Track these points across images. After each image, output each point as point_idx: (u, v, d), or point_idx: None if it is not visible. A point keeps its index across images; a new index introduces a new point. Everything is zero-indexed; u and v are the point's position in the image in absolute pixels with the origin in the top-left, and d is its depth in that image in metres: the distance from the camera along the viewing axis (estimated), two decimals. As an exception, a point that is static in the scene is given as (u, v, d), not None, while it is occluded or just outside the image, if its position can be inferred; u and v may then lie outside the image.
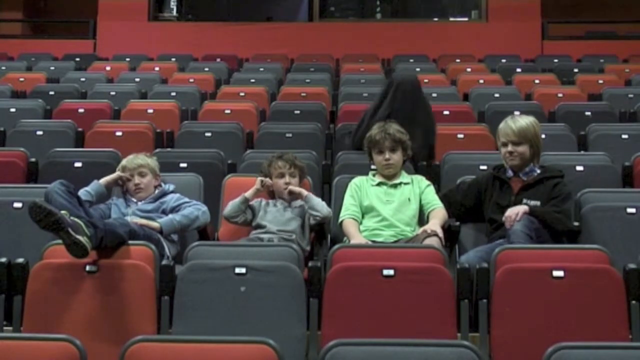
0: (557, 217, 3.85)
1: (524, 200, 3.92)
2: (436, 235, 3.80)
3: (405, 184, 4.20)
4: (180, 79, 8.58)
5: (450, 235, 4.07)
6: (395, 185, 4.19)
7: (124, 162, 4.29)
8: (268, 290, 3.31)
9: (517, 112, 4.37)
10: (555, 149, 5.07)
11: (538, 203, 3.90)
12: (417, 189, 4.18)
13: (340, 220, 4.13)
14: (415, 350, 2.54)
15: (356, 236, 3.99)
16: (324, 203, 4.12)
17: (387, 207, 4.09)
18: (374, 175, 4.26)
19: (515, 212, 3.77)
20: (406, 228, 4.03)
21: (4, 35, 12.22)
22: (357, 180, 4.25)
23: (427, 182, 4.24)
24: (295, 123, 6.02)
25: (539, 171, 4.07)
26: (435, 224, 3.96)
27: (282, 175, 4.22)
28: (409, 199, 4.12)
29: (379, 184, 4.20)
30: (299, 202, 4.18)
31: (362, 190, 4.18)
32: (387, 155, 4.21)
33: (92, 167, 4.81)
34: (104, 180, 4.17)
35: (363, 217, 4.13)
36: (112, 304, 3.34)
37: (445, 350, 2.53)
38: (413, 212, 4.10)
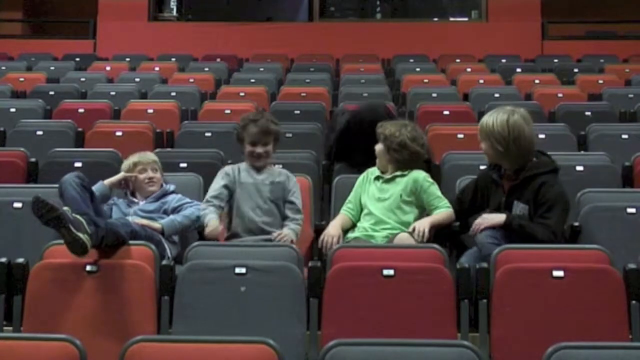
0: (535, 229, 3.63)
1: (514, 203, 3.78)
2: (416, 232, 3.78)
3: (401, 176, 4.04)
4: (180, 79, 8.58)
5: (451, 235, 4.06)
6: (388, 180, 4.07)
7: (135, 158, 4.26)
8: (268, 290, 3.31)
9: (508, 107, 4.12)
10: (555, 149, 5.04)
11: (526, 208, 3.73)
12: (415, 188, 3.98)
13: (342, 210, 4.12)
14: (415, 350, 2.55)
15: (331, 224, 4.01)
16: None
17: (379, 205, 4.00)
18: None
19: (480, 224, 3.67)
20: (400, 226, 3.93)
21: (4, 35, 12.22)
22: (369, 170, 4.18)
23: (430, 182, 4.03)
24: (295, 123, 6.01)
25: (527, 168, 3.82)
26: (424, 220, 3.87)
27: (254, 144, 4.12)
28: (402, 196, 3.96)
29: (377, 178, 4.11)
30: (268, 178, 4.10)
31: (364, 184, 4.13)
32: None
33: (92, 167, 4.80)
34: (108, 181, 4.16)
35: (361, 214, 4.08)
36: (112, 304, 3.34)
37: (445, 350, 2.53)
38: (408, 219, 3.94)
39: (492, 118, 3.83)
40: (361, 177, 4.18)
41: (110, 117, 6.57)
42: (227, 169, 4.16)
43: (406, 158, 4.08)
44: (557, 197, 3.72)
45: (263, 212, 4.01)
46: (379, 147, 4.14)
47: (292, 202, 4.07)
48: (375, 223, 3.97)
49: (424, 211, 4.02)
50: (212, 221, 3.84)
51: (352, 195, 4.15)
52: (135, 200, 4.18)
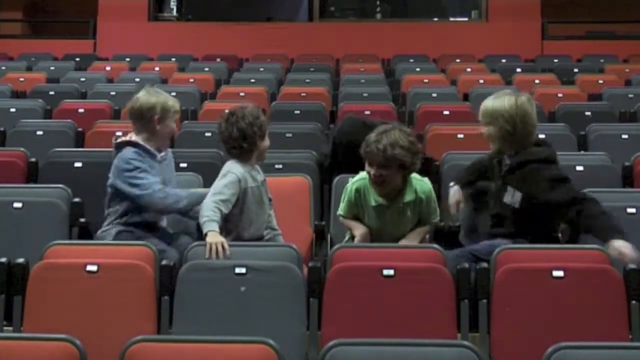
0: (595, 222, 3.50)
1: (508, 189, 3.71)
2: None
3: (408, 203, 3.71)
4: (180, 79, 8.59)
5: (450, 235, 4.06)
6: (397, 210, 3.72)
7: (177, 105, 3.97)
8: (268, 290, 3.31)
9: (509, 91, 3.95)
10: (555, 149, 5.05)
11: (519, 195, 3.66)
12: (420, 204, 3.77)
13: (339, 214, 3.91)
14: (415, 350, 2.55)
15: (357, 226, 3.77)
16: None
17: (393, 234, 3.77)
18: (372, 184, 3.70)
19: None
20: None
21: (4, 35, 12.24)
22: (356, 187, 3.76)
23: (433, 196, 3.83)
24: (295, 123, 6.01)
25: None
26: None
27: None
28: (410, 216, 3.79)
29: (379, 206, 3.71)
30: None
31: (361, 204, 3.76)
32: (375, 171, 3.62)
33: (92, 167, 4.79)
34: None
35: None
36: (112, 304, 3.34)
37: (445, 350, 2.54)
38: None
39: (499, 100, 3.77)
40: (352, 194, 3.76)
41: (110, 117, 6.58)
42: (239, 174, 3.71)
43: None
44: (552, 177, 3.65)
45: (264, 218, 3.86)
46: (387, 173, 3.61)
47: (270, 199, 3.93)
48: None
49: None
50: (221, 239, 3.52)
51: (351, 208, 3.79)
52: (157, 155, 3.96)
